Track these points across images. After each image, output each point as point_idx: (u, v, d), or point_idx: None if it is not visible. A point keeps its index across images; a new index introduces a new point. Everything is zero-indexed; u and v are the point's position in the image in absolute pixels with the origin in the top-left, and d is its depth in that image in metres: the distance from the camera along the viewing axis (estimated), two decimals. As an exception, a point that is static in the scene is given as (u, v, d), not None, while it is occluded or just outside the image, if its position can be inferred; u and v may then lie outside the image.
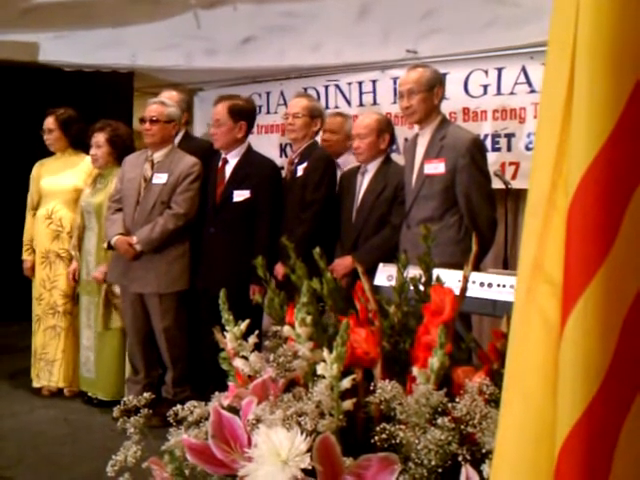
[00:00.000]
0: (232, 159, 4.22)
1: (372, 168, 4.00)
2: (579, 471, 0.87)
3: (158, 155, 4.28)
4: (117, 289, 4.45)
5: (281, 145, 5.91)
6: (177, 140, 4.54)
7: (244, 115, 4.19)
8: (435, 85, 3.67)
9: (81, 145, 4.82)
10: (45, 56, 6.03)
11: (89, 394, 4.59)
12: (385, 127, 4.00)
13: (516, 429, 0.94)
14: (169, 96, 4.66)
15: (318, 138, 4.40)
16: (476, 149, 3.61)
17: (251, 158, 4.24)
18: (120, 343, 4.51)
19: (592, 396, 0.86)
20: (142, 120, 4.27)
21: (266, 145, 4.92)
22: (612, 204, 0.87)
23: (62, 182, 4.79)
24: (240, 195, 4.13)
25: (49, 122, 4.81)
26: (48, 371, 4.72)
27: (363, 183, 4.00)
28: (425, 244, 1.79)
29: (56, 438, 4.01)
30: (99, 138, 4.50)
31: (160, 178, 4.21)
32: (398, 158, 4.44)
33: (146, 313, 4.30)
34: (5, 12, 5.64)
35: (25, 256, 4.87)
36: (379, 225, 3.91)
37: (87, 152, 4.68)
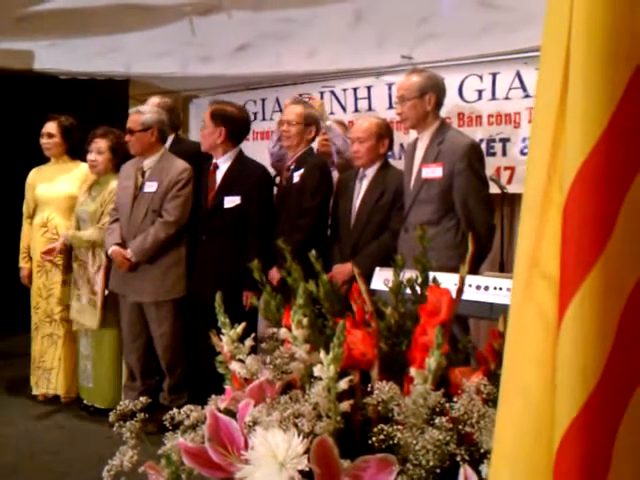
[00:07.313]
0: (222, 165, 4.18)
1: (370, 173, 3.97)
2: (578, 466, 0.86)
3: (147, 162, 4.26)
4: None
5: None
6: (167, 144, 4.48)
7: (226, 121, 4.11)
8: (427, 91, 3.64)
9: (77, 154, 4.80)
10: (40, 64, 6.03)
11: (85, 402, 4.57)
12: (385, 132, 3.97)
13: (514, 425, 0.93)
14: (151, 102, 4.65)
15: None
16: (473, 154, 3.60)
17: (242, 164, 4.19)
18: (116, 351, 4.49)
19: (590, 391, 0.86)
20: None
21: (261, 152, 4.92)
22: (609, 198, 0.87)
23: (57, 190, 4.75)
24: (231, 201, 4.10)
25: (50, 127, 4.75)
26: (46, 379, 4.70)
27: (361, 188, 3.98)
28: (421, 245, 1.79)
29: (52, 446, 3.99)
30: (101, 144, 4.43)
31: (151, 187, 4.19)
32: (394, 164, 4.43)
33: (144, 321, 4.30)
34: (0, 20, 5.64)
35: (22, 264, 4.85)
36: (378, 231, 3.88)
37: (83, 160, 4.65)
